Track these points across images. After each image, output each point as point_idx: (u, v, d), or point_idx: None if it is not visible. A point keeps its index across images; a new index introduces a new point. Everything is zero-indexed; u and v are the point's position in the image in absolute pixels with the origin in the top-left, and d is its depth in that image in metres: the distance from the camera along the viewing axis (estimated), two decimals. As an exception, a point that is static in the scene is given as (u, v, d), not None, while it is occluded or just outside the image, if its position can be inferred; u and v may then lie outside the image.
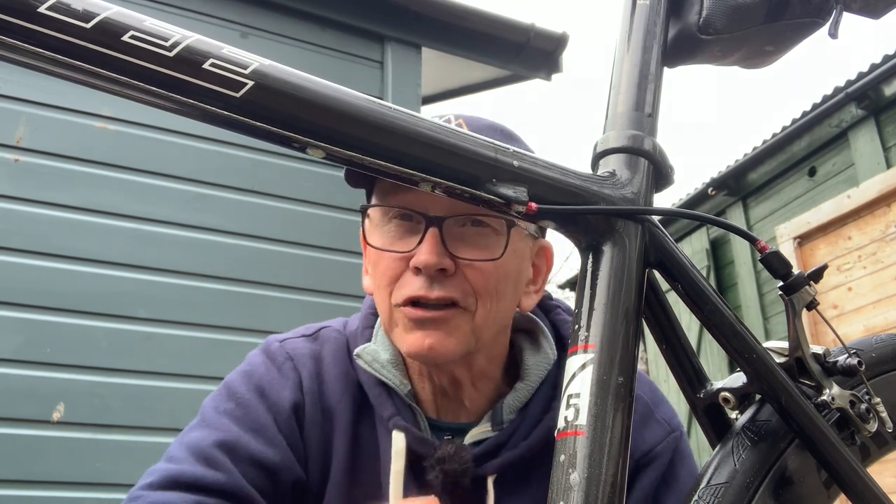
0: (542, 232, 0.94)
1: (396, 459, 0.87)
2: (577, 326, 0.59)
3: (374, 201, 0.88)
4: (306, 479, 0.90)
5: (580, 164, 0.65)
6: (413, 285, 0.82)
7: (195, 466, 0.83)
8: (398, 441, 0.87)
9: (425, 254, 0.80)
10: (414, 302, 0.83)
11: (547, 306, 1.03)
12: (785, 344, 0.68)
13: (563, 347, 0.96)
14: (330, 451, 0.90)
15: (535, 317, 0.99)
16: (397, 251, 0.84)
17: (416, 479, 0.88)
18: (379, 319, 0.95)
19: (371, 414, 0.92)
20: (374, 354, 0.92)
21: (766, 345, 0.66)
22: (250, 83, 0.48)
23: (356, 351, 0.93)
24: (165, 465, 0.85)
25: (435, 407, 0.93)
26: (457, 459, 0.85)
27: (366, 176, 0.88)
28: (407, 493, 0.86)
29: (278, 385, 0.91)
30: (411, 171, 0.54)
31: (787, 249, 5.45)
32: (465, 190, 0.56)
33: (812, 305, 0.68)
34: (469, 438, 0.90)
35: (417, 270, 0.82)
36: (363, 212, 0.88)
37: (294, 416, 0.90)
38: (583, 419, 0.54)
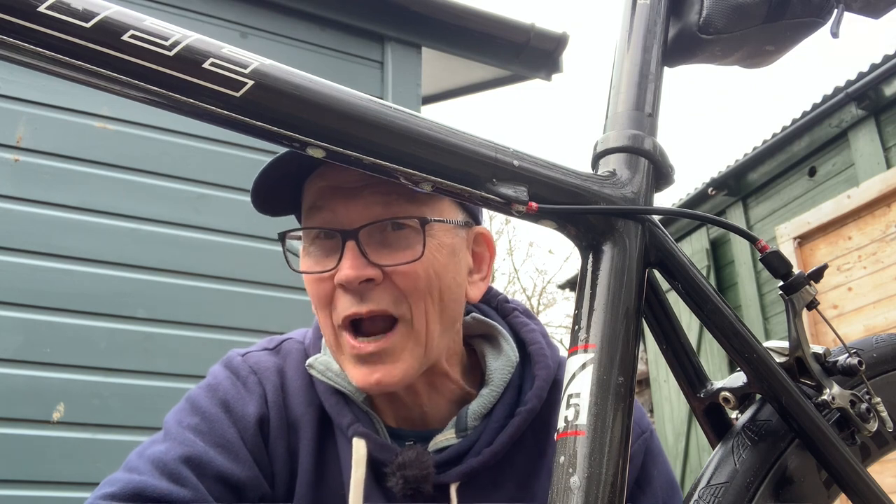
0: (475, 219, 0.92)
1: (357, 467, 0.85)
2: (577, 326, 0.59)
3: (293, 226, 0.88)
4: (272, 494, 0.87)
5: (580, 164, 0.65)
6: (344, 304, 0.82)
7: (160, 481, 0.80)
8: (359, 448, 0.86)
9: (345, 269, 0.80)
10: (353, 323, 0.82)
11: (504, 309, 1.01)
12: (785, 344, 0.68)
13: (524, 350, 0.96)
14: (295, 465, 0.89)
15: (491, 321, 0.97)
16: (322, 271, 0.83)
17: (378, 488, 0.86)
18: None
19: (333, 426, 0.91)
20: (327, 364, 0.91)
21: (766, 345, 0.66)
22: (250, 83, 0.48)
23: (308, 362, 0.92)
24: (127, 475, 0.81)
25: (394, 416, 0.92)
26: (418, 465, 0.84)
27: (287, 204, 0.89)
28: (369, 502, 0.85)
29: (243, 399, 0.89)
30: (411, 171, 0.54)
31: (788, 249, 5.45)
32: (464, 190, 0.56)
33: (812, 305, 0.68)
34: (433, 445, 0.89)
35: (344, 287, 0.81)
36: (282, 239, 0.87)
37: (259, 430, 0.88)
38: (583, 419, 0.54)
